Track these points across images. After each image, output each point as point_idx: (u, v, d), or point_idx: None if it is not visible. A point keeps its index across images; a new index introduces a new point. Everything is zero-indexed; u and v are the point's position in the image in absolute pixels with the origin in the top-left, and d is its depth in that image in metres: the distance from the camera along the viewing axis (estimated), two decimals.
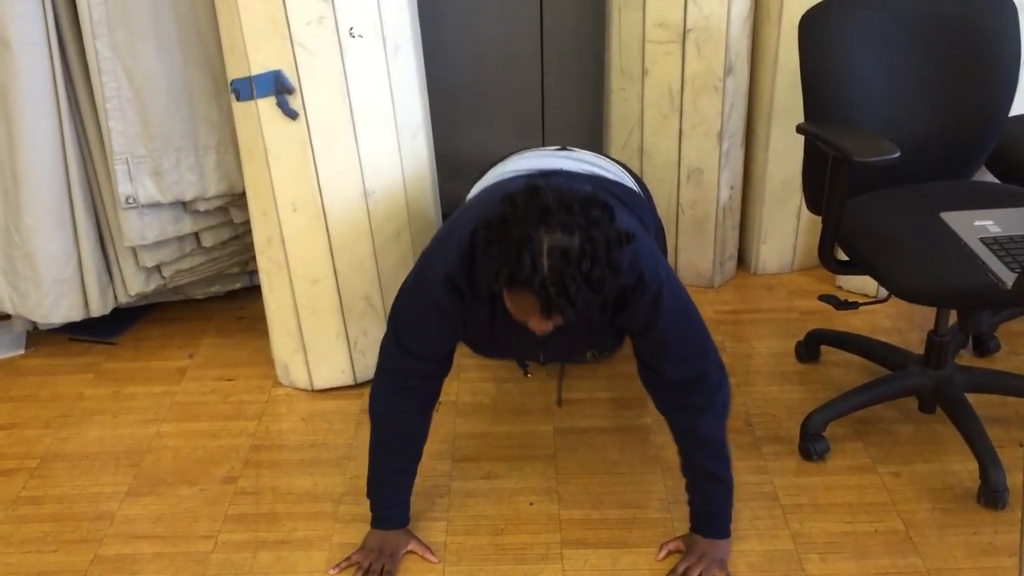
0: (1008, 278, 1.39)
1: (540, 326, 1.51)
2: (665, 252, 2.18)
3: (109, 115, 2.24)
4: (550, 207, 1.43)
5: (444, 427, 2.20)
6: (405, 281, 1.76)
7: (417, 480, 1.86)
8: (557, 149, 2.13)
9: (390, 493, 1.84)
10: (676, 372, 1.70)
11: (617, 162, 2.16)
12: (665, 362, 1.70)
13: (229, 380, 2.45)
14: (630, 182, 2.06)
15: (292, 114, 2.06)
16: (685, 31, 2.48)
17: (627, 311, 1.65)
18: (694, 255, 2.77)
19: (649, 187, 2.69)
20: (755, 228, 2.81)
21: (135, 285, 2.48)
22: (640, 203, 1.97)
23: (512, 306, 1.51)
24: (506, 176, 1.94)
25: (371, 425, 1.81)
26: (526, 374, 2.31)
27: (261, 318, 2.46)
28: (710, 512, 1.79)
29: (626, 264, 1.50)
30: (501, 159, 2.17)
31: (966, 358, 2.40)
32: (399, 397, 1.79)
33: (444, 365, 1.80)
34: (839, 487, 1.98)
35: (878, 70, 2.02)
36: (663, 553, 1.82)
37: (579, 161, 2.01)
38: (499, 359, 2.25)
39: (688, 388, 1.71)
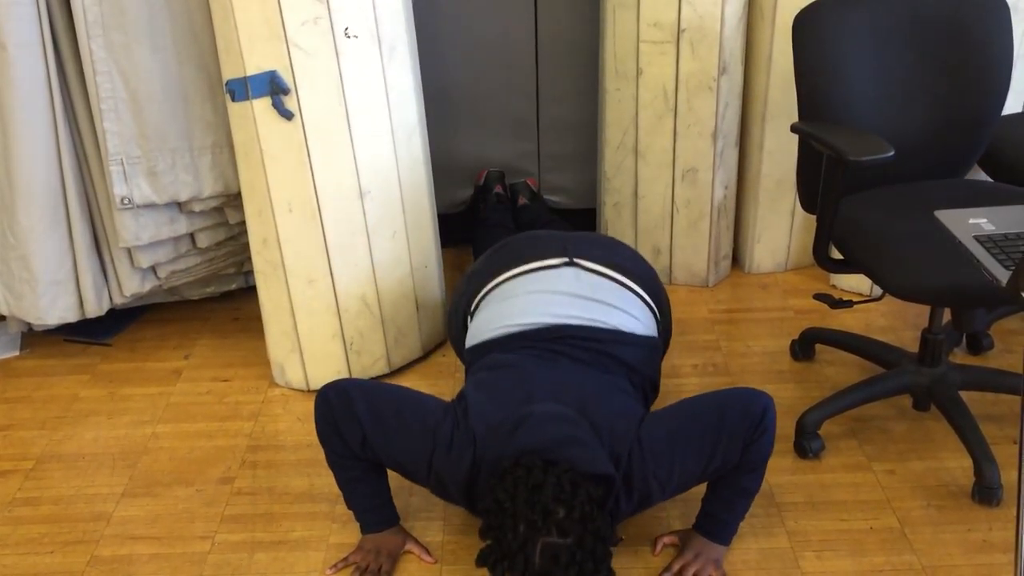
0: (1002, 275, 1.40)
1: None
2: (667, 345, 2.12)
3: (104, 116, 2.24)
4: (549, 509, 1.50)
5: None
6: (409, 422, 1.71)
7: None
8: (564, 263, 1.98)
9: (366, 502, 1.84)
10: (722, 464, 1.68)
11: (634, 256, 2.08)
12: (707, 476, 1.70)
13: (225, 381, 2.45)
14: (644, 319, 1.96)
15: (288, 115, 2.07)
16: (679, 31, 2.49)
17: (620, 505, 1.67)
18: (689, 254, 2.78)
19: (643, 187, 2.71)
20: (749, 227, 2.82)
21: (130, 286, 2.47)
22: (647, 353, 1.91)
23: None
24: (511, 329, 1.88)
25: (322, 447, 1.78)
26: None
27: (257, 319, 2.46)
28: (725, 520, 1.78)
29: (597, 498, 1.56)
30: (505, 260, 2.05)
31: (960, 356, 2.41)
32: (350, 469, 1.80)
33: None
34: (834, 485, 1.99)
35: (871, 70, 2.03)
36: (659, 547, 1.83)
37: (589, 300, 1.91)
38: None
39: (744, 452, 1.67)
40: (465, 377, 1.97)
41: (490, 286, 2.03)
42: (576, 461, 1.56)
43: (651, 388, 1.95)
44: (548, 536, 1.50)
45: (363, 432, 1.69)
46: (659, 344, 2.00)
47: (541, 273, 1.98)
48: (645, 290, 2.01)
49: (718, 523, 1.78)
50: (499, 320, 1.93)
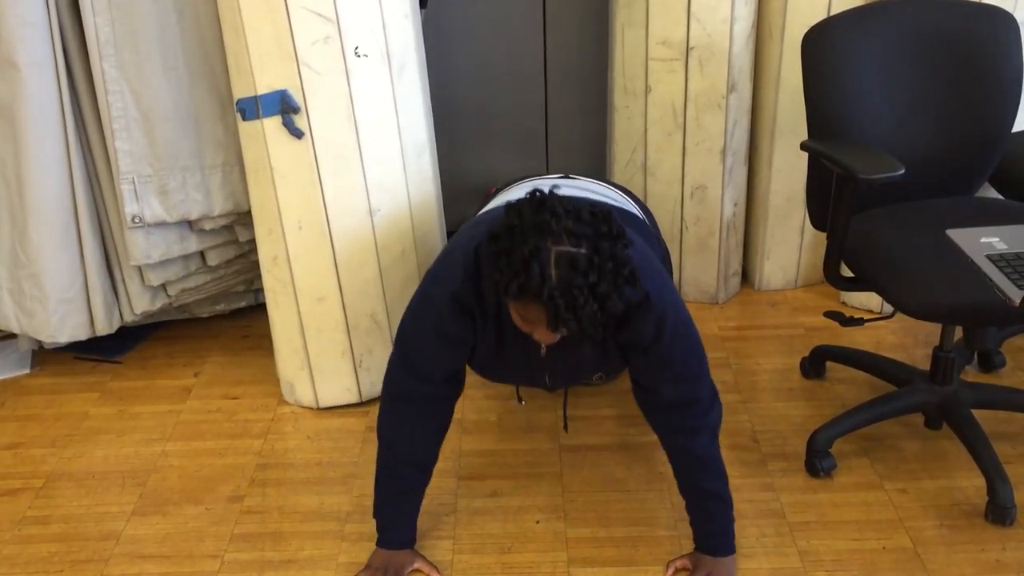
0: (1015, 295, 1.39)
1: (547, 337, 1.50)
2: (670, 275, 2.18)
3: (116, 135, 2.25)
4: (558, 213, 1.40)
5: (450, 445, 2.19)
6: (411, 302, 1.75)
7: (423, 499, 1.86)
8: (559, 177, 2.13)
9: (396, 515, 1.84)
10: (672, 393, 1.71)
11: (620, 188, 2.17)
12: (663, 383, 1.71)
13: (234, 399, 2.45)
14: (634, 208, 2.07)
15: (298, 133, 2.07)
16: (688, 49, 2.50)
17: (631, 328, 1.65)
18: (698, 272, 2.78)
19: (652, 204, 2.71)
20: (759, 244, 2.82)
21: (141, 304, 2.48)
22: (644, 229, 1.98)
23: (518, 317, 1.50)
24: (509, 199, 1.94)
25: (378, 447, 1.81)
26: (520, 401, 2.30)
27: (266, 336, 2.46)
28: (712, 530, 1.79)
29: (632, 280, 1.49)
30: (502, 188, 2.17)
31: (972, 374, 2.40)
32: (407, 423, 1.78)
33: (454, 386, 1.80)
34: (846, 504, 1.98)
35: (881, 87, 2.03)
36: (670, 571, 1.82)
37: (581, 188, 2.01)
38: (504, 383, 2.24)
39: (683, 409, 1.71)
40: None
41: (491, 199, 2.09)
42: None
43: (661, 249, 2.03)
44: (560, 244, 1.38)
45: (408, 357, 1.72)
46: (655, 232, 2.08)
47: (537, 178, 2.11)
48: (638, 205, 2.11)
49: (710, 536, 1.79)
50: (493, 204, 1.99)
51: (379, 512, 1.84)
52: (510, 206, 1.47)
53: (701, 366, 1.72)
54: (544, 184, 1.97)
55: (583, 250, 1.38)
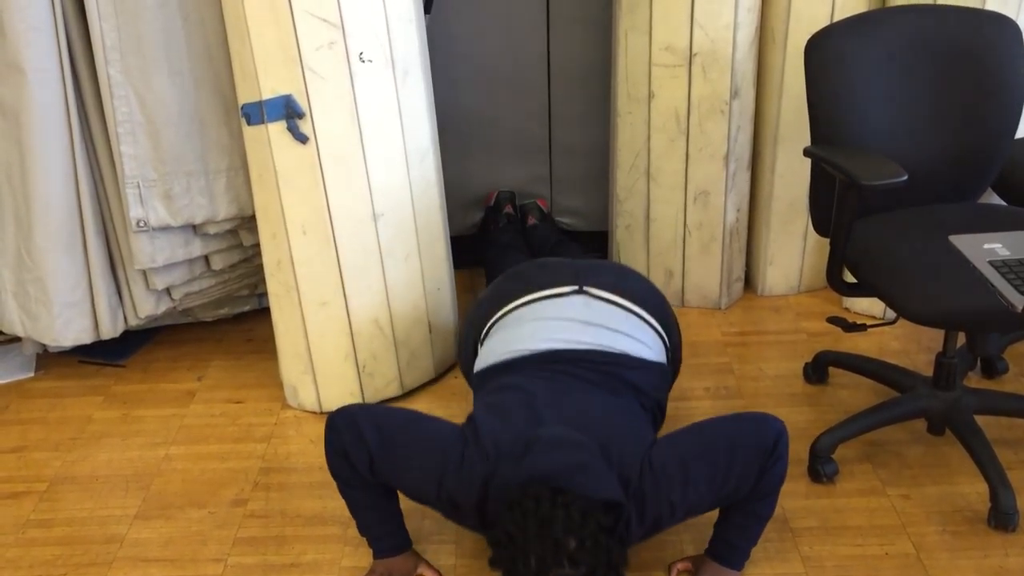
0: (1018, 301, 1.39)
1: None
2: (676, 372, 2.13)
3: (121, 139, 2.26)
4: (560, 543, 1.48)
5: None
6: (419, 449, 1.70)
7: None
8: (574, 291, 1.99)
9: (381, 525, 1.83)
10: (737, 486, 1.65)
11: (642, 281, 2.08)
12: (717, 498, 1.67)
13: (238, 402, 2.46)
14: (652, 343, 1.96)
15: (302, 138, 2.08)
16: (691, 55, 2.50)
17: (632, 529, 1.66)
18: (701, 277, 2.78)
19: (656, 210, 2.71)
20: (762, 250, 2.82)
21: (145, 308, 2.49)
22: (656, 377, 1.91)
23: None
24: (517, 355, 1.88)
25: (332, 476, 1.77)
26: None
27: (270, 340, 2.47)
28: (735, 543, 1.77)
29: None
30: (512, 285, 2.06)
31: (975, 380, 2.40)
32: (360, 491, 1.77)
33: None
34: (849, 510, 1.98)
35: (884, 93, 2.03)
36: (673, 573, 1.82)
37: (597, 326, 1.91)
38: None
39: (758, 480, 1.66)
40: (473, 400, 1.97)
41: (500, 313, 2.03)
42: (585, 488, 1.55)
43: (659, 412, 1.94)
44: (560, 568, 1.49)
45: (370, 455, 1.68)
46: (667, 370, 2.00)
47: (551, 301, 1.98)
48: (655, 317, 2.01)
49: (731, 549, 1.77)
50: (507, 345, 1.93)
51: (364, 530, 1.83)
52: (514, 506, 1.53)
53: (716, 447, 1.66)
54: (559, 330, 1.90)
55: (581, 572, 1.50)
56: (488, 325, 2.05)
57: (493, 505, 1.63)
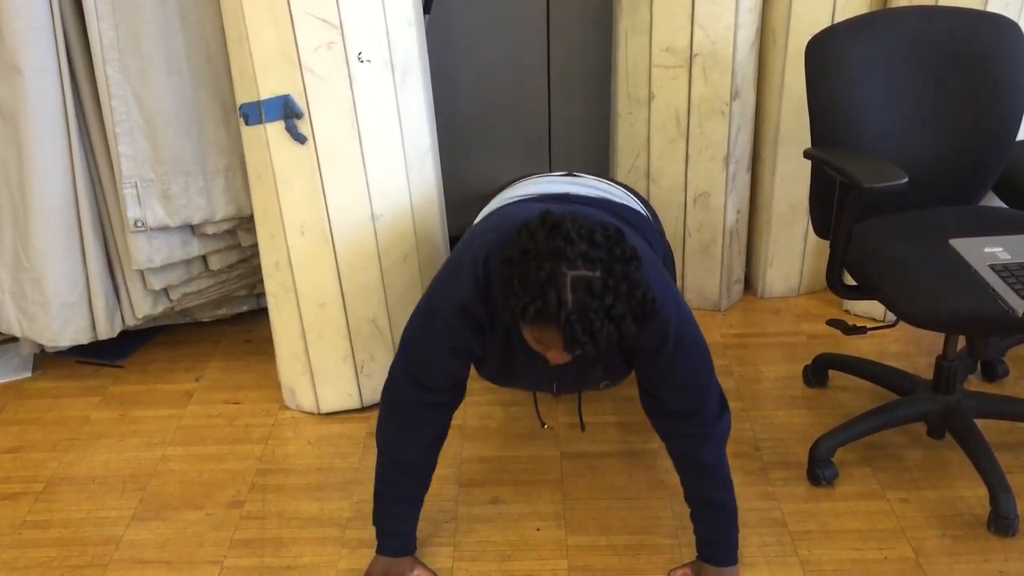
0: (1018, 305, 1.39)
1: (561, 358, 1.51)
2: (673, 276, 2.19)
3: (119, 139, 2.26)
4: (571, 238, 1.42)
5: (450, 451, 2.19)
6: (416, 311, 1.74)
7: (423, 504, 1.85)
8: (563, 175, 2.13)
9: (396, 521, 1.83)
10: (678, 401, 1.70)
11: (623, 186, 2.16)
12: (668, 390, 1.70)
13: (235, 403, 2.45)
14: (637, 205, 2.06)
15: (301, 138, 2.07)
16: (692, 56, 2.49)
17: (636, 336, 1.64)
18: (701, 279, 2.77)
19: (656, 211, 2.70)
20: (762, 252, 2.82)
21: (143, 308, 2.48)
22: (648, 226, 1.97)
23: (532, 339, 1.50)
24: (514, 199, 1.94)
25: (377, 454, 1.80)
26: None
27: (268, 341, 2.46)
28: (714, 540, 1.78)
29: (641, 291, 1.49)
30: (506, 185, 2.17)
31: (975, 383, 2.39)
32: (407, 431, 1.77)
33: (457, 395, 1.79)
34: (848, 513, 1.97)
35: (885, 95, 2.03)
36: None
37: (585, 186, 2.01)
38: (511, 388, 2.24)
39: (689, 417, 1.70)
40: None
41: (496, 196, 2.08)
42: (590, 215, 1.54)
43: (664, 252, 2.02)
44: (575, 269, 1.40)
45: (411, 365, 1.71)
46: (659, 229, 2.09)
47: (543, 176, 2.11)
48: (641, 202, 2.10)
49: (712, 545, 1.78)
50: (502, 201, 1.97)
51: (378, 519, 1.83)
52: (523, 228, 1.48)
53: (708, 374, 1.71)
54: (549, 185, 1.98)
55: (598, 273, 1.40)
56: (485, 211, 2.08)
57: (496, 275, 1.56)
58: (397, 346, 1.78)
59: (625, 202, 2.00)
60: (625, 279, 1.42)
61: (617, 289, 1.41)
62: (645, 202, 2.16)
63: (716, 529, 1.77)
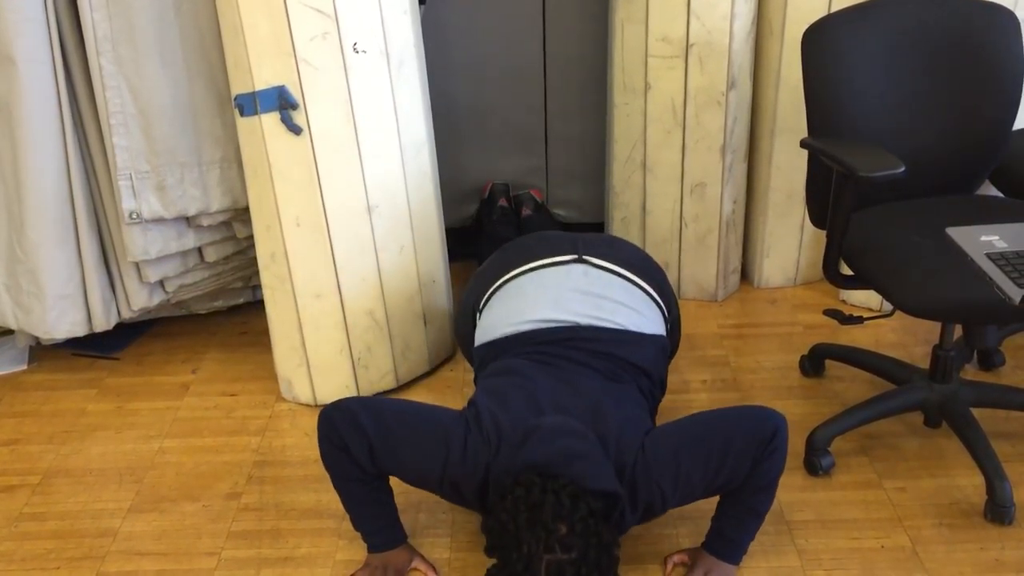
0: (1015, 294, 1.39)
1: None
2: (676, 345, 2.15)
3: (113, 131, 2.25)
4: (550, 528, 1.50)
5: None
6: (426, 416, 1.71)
7: (420, 496, 1.85)
8: (573, 260, 2.00)
9: (372, 522, 1.82)
10: (727, 475, 1.65)
11: (639, 262, 2.05)
12: (711, 489, 1.68)
13: (232, 395, 2.45)
14: (654, 321, 1.97)
15: (296, 129, 2.07)
16: (688, 46, 2.49)
17: (626, 517, 1.66)
18: (697, 269, 2.77)
19: (652, 202, 2.70)
20: (758, 242, 2.81)
21: (138, 300, 2.47)
22: (654, 354, 1.91)
23: None
24: (515, 332, 1.89)
25: (327, 470, 1.76)
26: None
27: (264, 333, 2.46)
28: (735, 539, 1.76)
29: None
30: (511, 255, 2.07)
31: (971, 372, 2.39)
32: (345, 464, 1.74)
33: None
34: (845, 503, 1.97)
35: (882, 85, 2.02)
36: (669, 566, 1.81)
37: (597, 307, 1.91)
38: None
39: (753, 470, 1.66)
40: (475, 380, 1.97)
41: (499, 282, 2.03)
42: (580, 477, 1.56)
43: (659, 388, 1.96)
44: (552, 554, 1.50)
45: (370, 443, 1.67)
46: (667, 344, 2.00)
47: (550, 269, 1.99)
48: (653, 288, 2.02)
49: (727, 542, 1.77)
50: (508, 318, 1.94)
51: (356, 525, 1.82)
52: (506, 495, 1.55)
53: (712, 440, 1.65)
54: (557, 299, 1.91)
55: (573, 556, 1.51)
56: (487, 295, 2.05)
57: (493, 489, 1.63)
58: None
59: (640, 328, 1.91)
60: (596, 567, 1.53)
61: (588, 573, 1.52)
62: (661, 284, 2.06)
63: (741, 530, 1.75)
